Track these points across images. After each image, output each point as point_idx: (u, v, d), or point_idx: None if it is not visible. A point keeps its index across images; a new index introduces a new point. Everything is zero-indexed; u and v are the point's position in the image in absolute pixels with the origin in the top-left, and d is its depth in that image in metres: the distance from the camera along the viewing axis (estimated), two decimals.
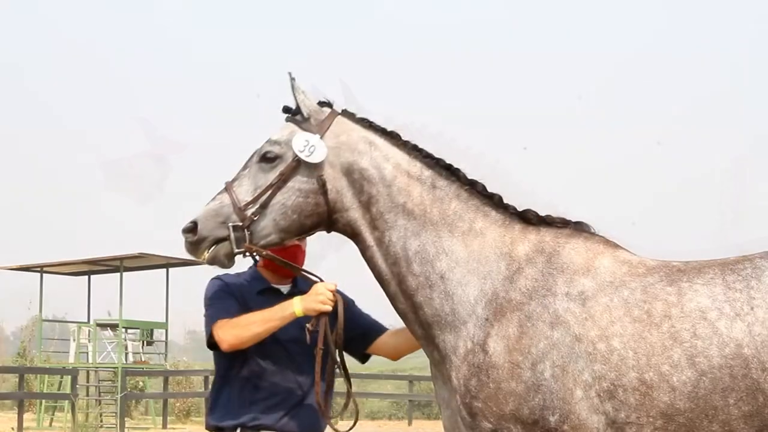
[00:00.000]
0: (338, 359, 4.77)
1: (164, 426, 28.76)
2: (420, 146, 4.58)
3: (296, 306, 4.67)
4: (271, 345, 4.82)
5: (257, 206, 4.42)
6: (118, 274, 29.73)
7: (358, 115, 4.61)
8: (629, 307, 4.17)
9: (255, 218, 4.42)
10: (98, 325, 30.77)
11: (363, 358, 5.13)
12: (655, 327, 4.11)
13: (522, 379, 4.12)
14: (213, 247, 4.46)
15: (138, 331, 31.22)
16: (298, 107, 4.56)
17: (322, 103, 4.61)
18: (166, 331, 32.04)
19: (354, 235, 4.51)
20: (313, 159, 4.43)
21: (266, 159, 4.49)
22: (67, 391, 28.03)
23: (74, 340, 30.65)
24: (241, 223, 4.41)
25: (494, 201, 4.51)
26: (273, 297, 4.92)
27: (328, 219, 4.50)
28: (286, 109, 4.62)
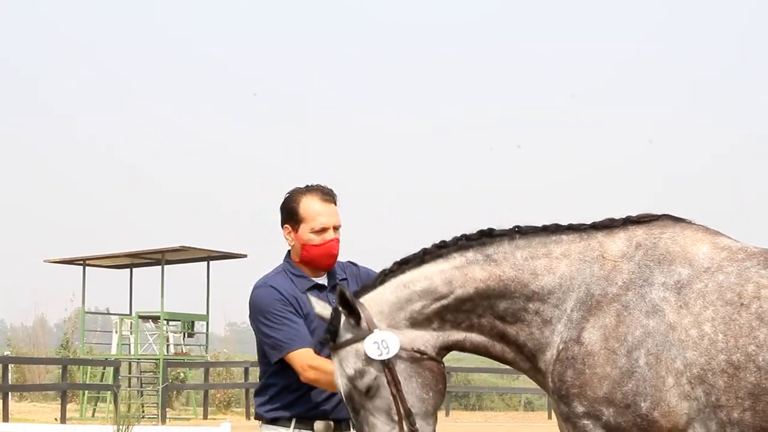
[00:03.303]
0: None
1: (205, 416, 29.01)
2: (435, 243, 4.47)
3: None
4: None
5: (406, 424, 4.28)
6: (160, 267, 30.10)
7: (367, 285, 4.49)
8: (722, 290, 4.19)
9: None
10: (140, 317, 31.09)
11: None
12: (744, 308, 4.14)
13: (617, 364, 4.17)
14: None
15: (179, 323, 31.45)
16: (348, 323, 4.35)
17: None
18: (207, 323, 32.34)
19: (449, 349, 4.45)
20: (395, 349, 4.30)
21: (370, 390, 4.31)
22: (110, 382, 28.50)
23: (116, 332, 30.94)
24: None
25: (554, 230, 4.46)
26: (318, 293, 4.90)
27: None
28: (331, 337, 4.38)
